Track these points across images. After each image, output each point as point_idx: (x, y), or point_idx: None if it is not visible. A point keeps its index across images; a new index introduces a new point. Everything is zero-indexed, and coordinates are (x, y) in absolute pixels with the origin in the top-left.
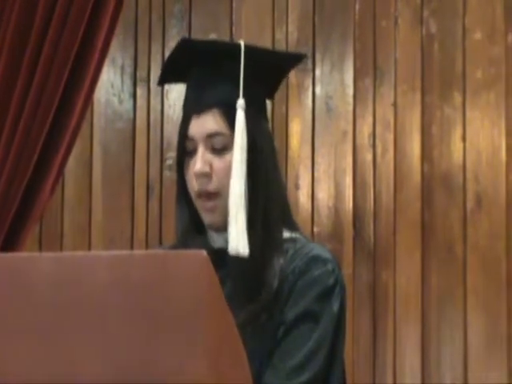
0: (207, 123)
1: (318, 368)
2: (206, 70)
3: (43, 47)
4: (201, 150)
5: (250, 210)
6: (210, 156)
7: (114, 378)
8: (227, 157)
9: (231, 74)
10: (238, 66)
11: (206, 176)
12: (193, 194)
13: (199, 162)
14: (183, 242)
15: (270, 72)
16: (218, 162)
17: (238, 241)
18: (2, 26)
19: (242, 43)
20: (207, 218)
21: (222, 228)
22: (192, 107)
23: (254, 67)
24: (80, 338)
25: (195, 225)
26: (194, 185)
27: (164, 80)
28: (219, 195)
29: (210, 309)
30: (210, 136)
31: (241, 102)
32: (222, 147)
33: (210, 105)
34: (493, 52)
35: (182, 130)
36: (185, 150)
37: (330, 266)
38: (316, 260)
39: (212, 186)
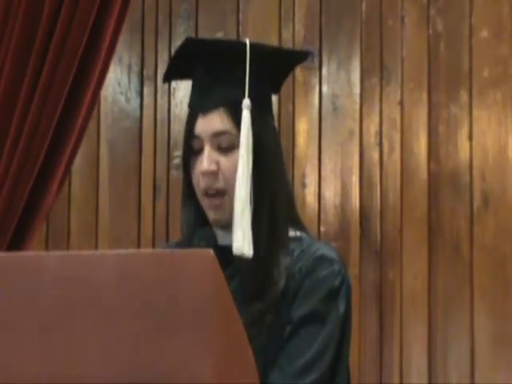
0: (213, 122)
1: (324, 369)
2: (211, 68)
3: (50, 46)
4: (207, 148)
5: (256, 209)
6: (216, 155)
7: (119, 377)
8: (234, 155)
9: (237, 73)
10: (243, 64)
11: (213, 175)
12: (199, 192)
13: (206, 161)
14: (188, 239)
15: (275, 69)
16: (224, 161)
17: (243, 241)
18: (8, 25)
19: (248, 42)
20: (213, 215)
21: (228, 225)
22: (198, 106)
23: (259, 65)
24: (86, 337)
25: (200, 222)
26: (200, 183)
27: (169, 77)
28: (226, 193)
29: (217, 307)
30: (217, 135)
31: (246, 102)
32: (228, 146)
33: (216, 104)
34: (499, 51)
35: (188, 129)
36: (191, 149)
37: (336, 267)
38: (322, 260)
39: (219, 185)
